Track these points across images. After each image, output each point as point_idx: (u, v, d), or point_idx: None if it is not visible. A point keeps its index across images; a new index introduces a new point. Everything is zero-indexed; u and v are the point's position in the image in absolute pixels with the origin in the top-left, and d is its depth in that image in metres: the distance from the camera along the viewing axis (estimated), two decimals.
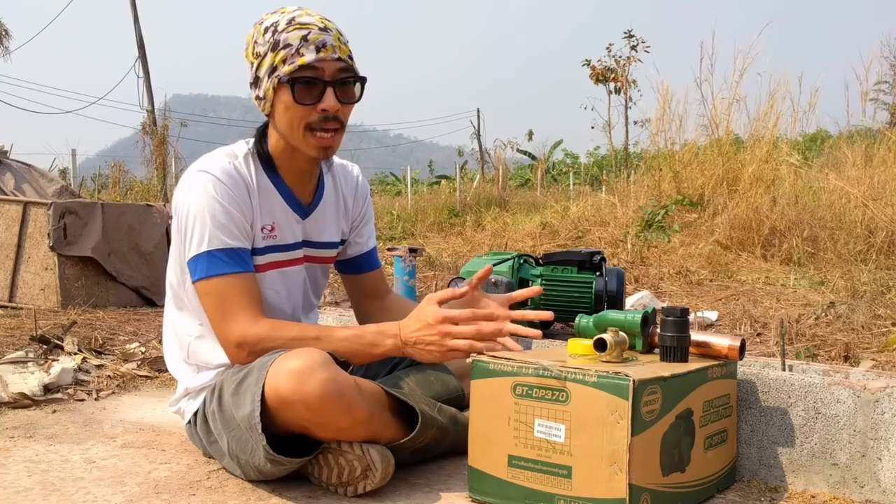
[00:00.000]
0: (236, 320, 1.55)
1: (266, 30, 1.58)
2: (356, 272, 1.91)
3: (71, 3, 18.36)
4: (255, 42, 1.60)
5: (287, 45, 1.55)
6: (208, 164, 1.61)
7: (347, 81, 1.61)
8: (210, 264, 1.56)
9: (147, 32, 14.46)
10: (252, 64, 1.61)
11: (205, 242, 1.56)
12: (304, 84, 1.56)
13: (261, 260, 1.65)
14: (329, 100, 1.58)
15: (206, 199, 1.57)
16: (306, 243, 1.75)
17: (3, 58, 19.74)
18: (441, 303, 1.56)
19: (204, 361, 1.66)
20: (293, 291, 1.74)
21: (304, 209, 1.72)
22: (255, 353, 1.53)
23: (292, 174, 1.69)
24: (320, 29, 1.57)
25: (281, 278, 1.70)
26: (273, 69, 1.57)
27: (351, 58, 1.61)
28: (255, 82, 1.62)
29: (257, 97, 1.63)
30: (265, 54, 1.58)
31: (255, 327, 1.55)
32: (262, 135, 1.68)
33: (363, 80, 1.64)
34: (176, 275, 1.69)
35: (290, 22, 1.57)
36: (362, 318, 1.93)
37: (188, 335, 1.68)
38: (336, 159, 1.82)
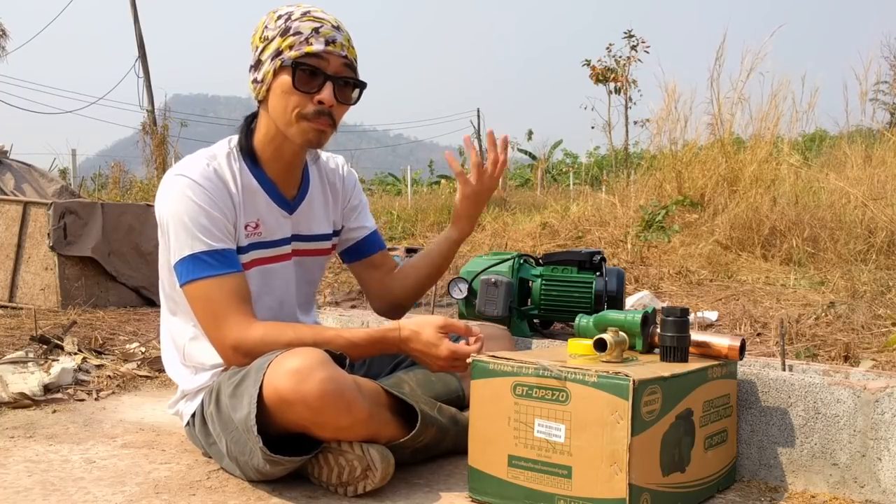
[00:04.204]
0: (229, 324, 1.54)
1: (279, 17, 1.60)
2: (363, 255, 1.91)
3: (71, 4, 18.36)
4: (266, 27, 1.61)
5: (297, 33, 1.57)
6: (186, 168, 1.60)
7: (348, 82, 1.62)
8: (195, 267, 1.55)
9: (147, 32, 14.46)
10: (257, 48, 1.62)
11: (188, 246, 1.55)
12: (306, 72, 1.57)
13: (244, 258, 1.64)
14: (327, 93, 1.58)
15: (184, 202, 1.56)
16: (296, 237, 1.74)
17: (1, 58, 19.75)
18: (446, 333, 1.59)
19: (200, 363, 1.66)
20: (281, 287, 1.74)
21: (289, 204, 1.72)
22: (251, 356, 1.52)
23: (277, 168, 1.68)
24: (333, 26, 1.60)
25: (267, 274, 1.69)
26: (278, 52, 1.57)
27: (356, 61, 1.63)
28: (256, 65, 1.62)
29: (255, 80, 1.63)
30: (273, 38, 1.58)
31: (250, 331, 1.54)
32: (247, 128, 1.68)
33: (363, 86, 1.65)
34: (166, 279, 1.69)
35: (304, 14, 1.60)
36: (383, 297, 1.94)
37: (183, 338, 1.68)
38: (320, 152, 1.82)
